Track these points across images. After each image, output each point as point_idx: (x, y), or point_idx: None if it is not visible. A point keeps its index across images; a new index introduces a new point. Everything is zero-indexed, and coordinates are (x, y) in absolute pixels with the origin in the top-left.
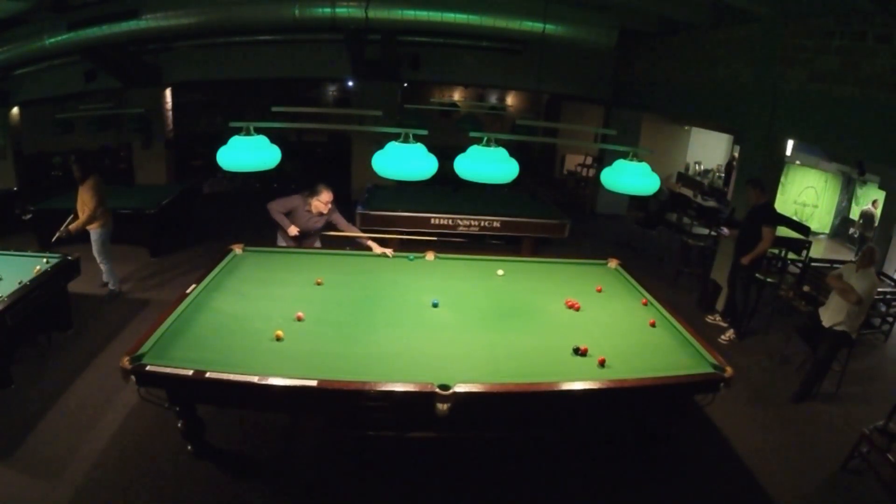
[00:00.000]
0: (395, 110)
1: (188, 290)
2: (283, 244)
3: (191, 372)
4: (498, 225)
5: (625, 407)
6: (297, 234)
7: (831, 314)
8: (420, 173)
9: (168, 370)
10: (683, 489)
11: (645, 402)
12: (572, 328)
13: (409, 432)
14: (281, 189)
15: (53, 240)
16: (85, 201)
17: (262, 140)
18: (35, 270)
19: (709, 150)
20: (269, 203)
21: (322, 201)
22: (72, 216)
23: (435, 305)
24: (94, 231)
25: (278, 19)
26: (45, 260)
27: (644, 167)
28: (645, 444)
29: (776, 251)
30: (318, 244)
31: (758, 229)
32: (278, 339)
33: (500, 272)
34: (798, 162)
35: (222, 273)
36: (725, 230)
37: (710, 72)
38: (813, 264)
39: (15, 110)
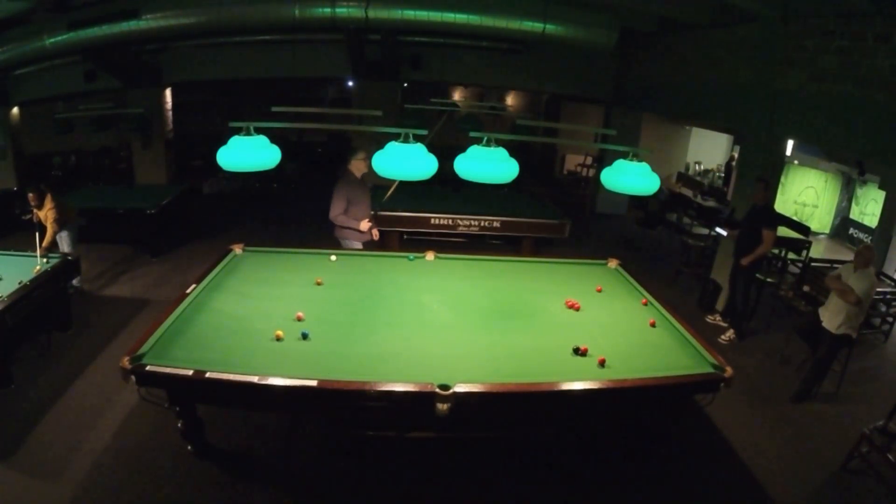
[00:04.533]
0: (395, 110)
1: (188, 290)
2: (357, 245)
3: (191, 372)
4: (498, 225)
5: (625, 407)
6: (371, 224)
7: (831, 315)
8: (420, 173)
9: (168, 370)
10: (683, 489)
11: (645, 402)
12: (572, 328)
13: (409, 432)
14: (281, 189)
15: (39, 257)
16: (48, 217)
17: (262, 140)
18: (35, 270)
19: (709, 150)
20: (331, 215)
21: (361, 159)
22: (38, 234)
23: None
24: (63, 231)
25: (278, 19)
26: (45, 260)
27: (644, 167)
28: (645, 443)
29: (776, 251)
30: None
31: (758, 231)
32: (278, 339)
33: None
34: (798, 162)
35: (222, 273)
36: (724, 232)
37: (710, 72)
38: (813, 264)
39: (15, 110)
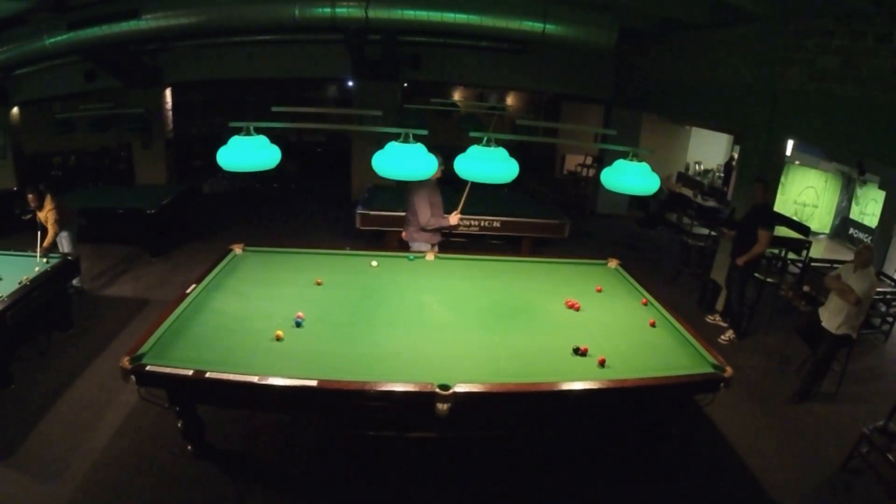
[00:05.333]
0: (394, 110)
1: (188, 290)
2: (426, 247)
3: (191, 372)
4: (498, 225)
5: (625, 407)
6: (459, 218)
7: (831, 315)
8: (420, 173)
9: (168, 370)
10: (683, 489)
11: (645, 402)
12: (572, 328)
13: (409, 432)
14: (281, 189)
15: (39, 257)
16: (48, 218)
17: (262, 140)
18: (21, 282)
19: (709, 150)
20: (422, 221)
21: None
22: (39, 234)
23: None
24: (63, 232)
25: (278, 19)
26: (44, 260)
27: (644, 167)
28: (645, 443)
29: (776, 251)
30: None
31: (755, 230)
32: (278, 339)
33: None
34: (798, 162)
35: (222, 273)
36: (725, 231)
37: (710, 72)
38: (813, 264)
39: (15, 110)
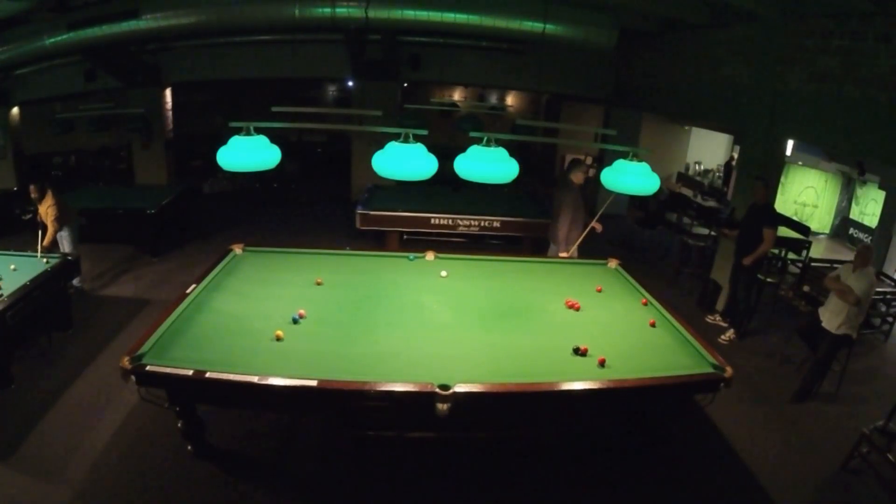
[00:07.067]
0: (395, 110)
1: (188, 290)
2: (564, 253)
3: (191, 372)
4: (498, 225)
5: (625, 407)
6: (572, 252)
7: (831, 315)
8: (420, 173)
9: (168, 370)
10: (683, 489)
11: (645, 402)
12: (572, 328)
13: (409, 432)
14: (281, 189)
15: (39, 256)
16: (48, 214)
17: (262, 140)
18: None
19: (709, 150)
20: (560, 236)
21: (583, 171)
22: (40, 232)
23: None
24: (64, 231)
25: (278, 19)
26: (44, 259)
27: (644, 167)
28: (645, 444)
29: (776, 251)
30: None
31: (758, 230)
32: (278, 339)
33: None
34: (798, 162)
35: (222, 273)
36: (725, 231)
37: (710, 72)
38: (813, 264)
39: (15, 110)
